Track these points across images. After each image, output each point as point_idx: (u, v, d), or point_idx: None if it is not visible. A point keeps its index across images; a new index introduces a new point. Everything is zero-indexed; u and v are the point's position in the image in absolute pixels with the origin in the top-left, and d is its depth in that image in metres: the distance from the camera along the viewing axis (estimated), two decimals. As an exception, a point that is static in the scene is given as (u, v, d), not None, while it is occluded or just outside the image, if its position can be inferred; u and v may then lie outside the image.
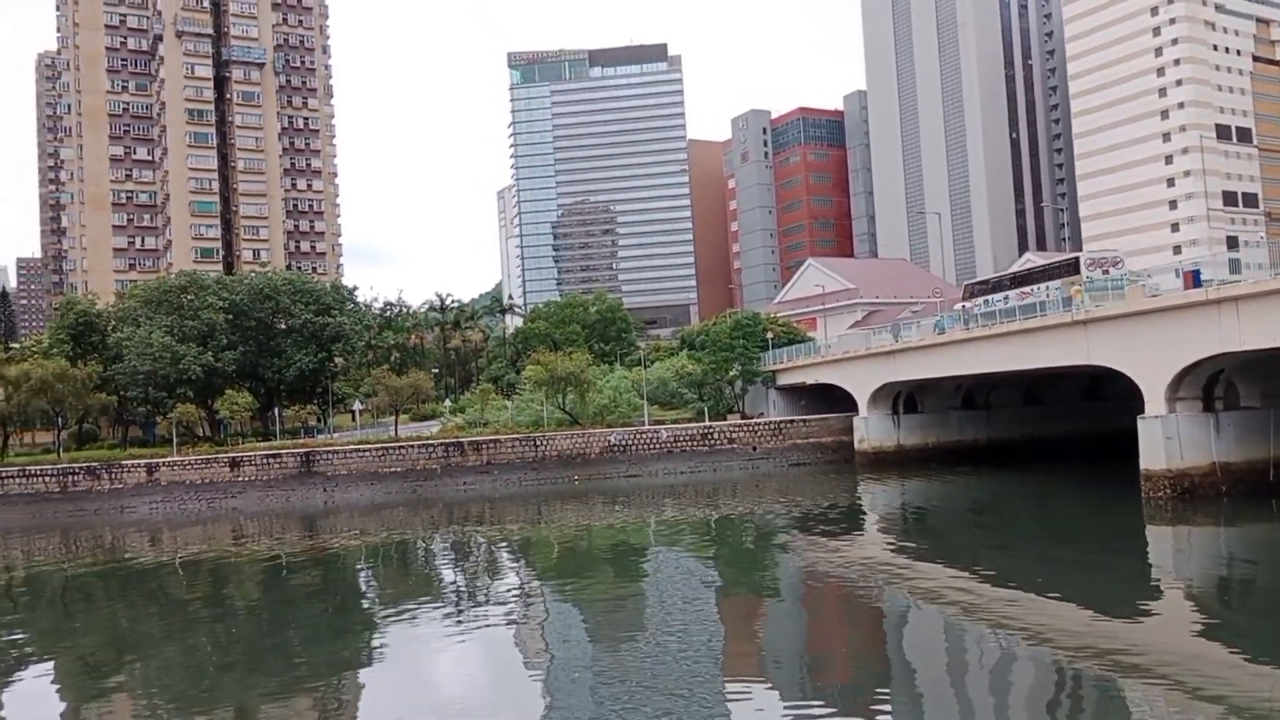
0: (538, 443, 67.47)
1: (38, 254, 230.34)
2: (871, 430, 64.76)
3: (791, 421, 70.36)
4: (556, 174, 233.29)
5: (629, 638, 23.34)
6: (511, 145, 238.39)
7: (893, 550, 35.28)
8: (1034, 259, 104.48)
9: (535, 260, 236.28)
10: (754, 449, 68.36)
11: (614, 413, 73.11)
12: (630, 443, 67.86)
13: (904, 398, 65.58)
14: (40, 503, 64.71)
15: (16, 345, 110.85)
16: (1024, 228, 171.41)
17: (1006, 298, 58.43)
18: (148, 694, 21.46)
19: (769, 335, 78.09)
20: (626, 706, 17.81)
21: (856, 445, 65.64)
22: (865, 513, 48.03)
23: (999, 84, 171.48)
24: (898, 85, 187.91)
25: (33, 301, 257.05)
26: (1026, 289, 57.51)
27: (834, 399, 68.93)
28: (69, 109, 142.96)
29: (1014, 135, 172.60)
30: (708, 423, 70.73)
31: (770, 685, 19.32)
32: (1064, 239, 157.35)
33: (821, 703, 17.87)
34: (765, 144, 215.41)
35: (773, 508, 49.34)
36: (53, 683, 23.37)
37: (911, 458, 63.38)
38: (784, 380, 75.13)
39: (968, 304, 62.48)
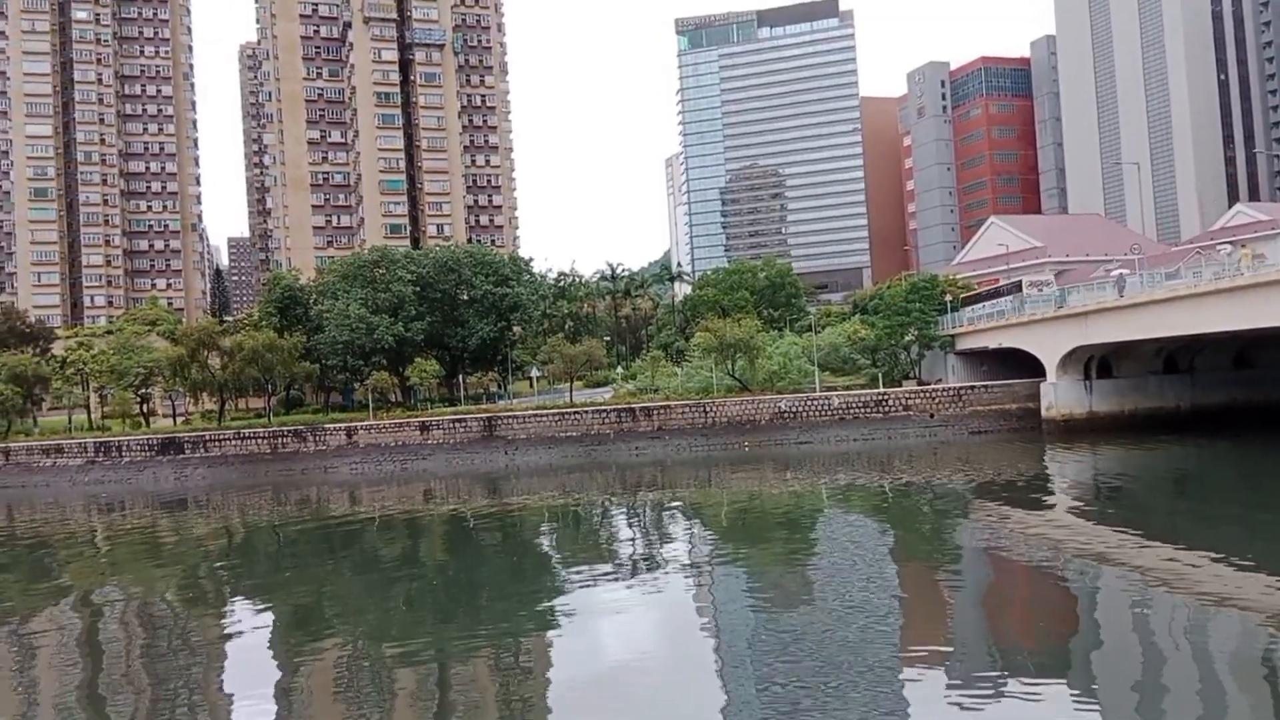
0: (707, 409, 67.81)
1: (246, 234, 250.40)
2: (1061, 396, 61.31)
3: (972, 387, 67.56)
4: (725, 139, 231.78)
5: (800, 606, 23.22)
6: (679, 112, 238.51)
7: (1084, 522, 33.43)
8: (1246, 211, 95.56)
9: (703, 227, 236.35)
10: (931, 416, 66.16)
11: (784, 379, 72.44)
12: (801, 409, 67.11)
13: (1097, 362, 61.72)
14: (254, 463, 70.62)
15: (230, 318, 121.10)
16: (1234, 177, 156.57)
17: (984, 305, 72.44)
18: (350, 640, 23.16)
19: (947, 298, 75.13)
20: (797, 677, 17.77)
21: (1044, 412, 62.32)
22: (1053, 483, 45.66)
23: (1204, 21, 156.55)
24: (1091, 27, 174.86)
25: (243, 278, 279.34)
26: (994, 300, 72.13)
27: (1019, 364, 65.65)
28: (269, 97, 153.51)
29: (1222, 77, 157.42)
30: (882, 389, 68.95)
31: (948, 662, 18.75)
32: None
33: (1004, 683, 17.20)
34: (943, 98, 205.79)
35: (952, 477, 47.71)
36: (267, 627, 25.61)
37: (1105, 425, 59.64)
38: (964, 345, 72.15)
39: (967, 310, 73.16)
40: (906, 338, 72.68)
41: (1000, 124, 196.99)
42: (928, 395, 67.69)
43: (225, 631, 24.96)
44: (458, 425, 70.14)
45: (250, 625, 25.66)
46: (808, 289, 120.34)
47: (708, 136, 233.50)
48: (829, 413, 66.86)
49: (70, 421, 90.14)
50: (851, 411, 66.74)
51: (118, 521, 52.30)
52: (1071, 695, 16.48)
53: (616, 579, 27.17)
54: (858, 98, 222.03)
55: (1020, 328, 64.62)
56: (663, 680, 18.36)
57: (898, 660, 18.75)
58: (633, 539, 35.80)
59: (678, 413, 68.08)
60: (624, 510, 43.32)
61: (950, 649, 19.61)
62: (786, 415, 67.02)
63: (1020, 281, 74.21)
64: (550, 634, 22.23)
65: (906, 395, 67.78)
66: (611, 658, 19.71)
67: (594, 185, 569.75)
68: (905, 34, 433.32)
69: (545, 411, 70.62)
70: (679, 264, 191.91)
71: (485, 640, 21.88)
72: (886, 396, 67.40)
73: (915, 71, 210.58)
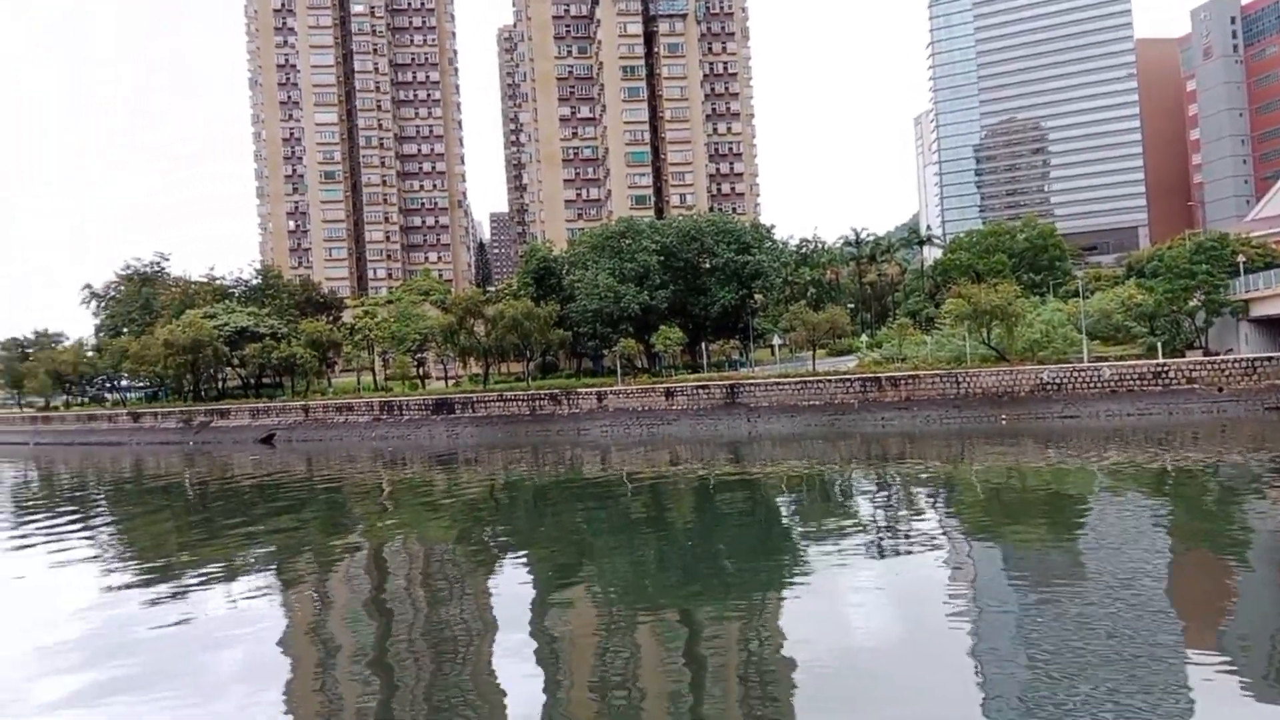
0: (960, 379, 64.89)
1: (505, 209, 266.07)
2: (1383, 370, 53.50)
3: (1270, 358, 60.24)
4: (979, 92, 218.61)
5: (1064, 590, 21.83)
6: (930, 67, 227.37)
7: None
8: None
9: (955, 187, 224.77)
10: (1220, 390, 59.71)
11: (1046, 348, 67.93)
12: (1065, 380, 62.68)
13: None
14: (514, 423, 75.43)
15: (492, 288, 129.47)
16: None
17: None
18: (600, 590, 24.37)
19: (1240, 259, 67.24)
20: (1058, 664, 16.77)
21: (1360, 388, 54.67)
22: (1372, 468, 39.92)
23: None
24: None
25: (502, 250, 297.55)
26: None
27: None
28: (524, 77, 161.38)
29: None
30: (1161, 359, 63.01)
31: (1232, 662, 17.00)
32: None
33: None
34: (1234, 36, 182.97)
35: (1245, 457, 42.90)
36: (527, 574, 27.40)
37: None
38: (1259, 311, 64.45)
39: None
40: (1190, 303, 65.92)
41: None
42: (1216, 367, 61.12)
43: (491, 577, 26.98)
44: (701, 392, 71.38)
45: (512, 572, 27.59)
46: (1073, 251, 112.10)
47: (961, 91, 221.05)
48: (1098, 385, 62.00)
49: (359, 382, 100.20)
50: (1125, 384, 61.54)
51: (399, 473, 57.69)
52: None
53: (861, 550, 26.75)
54: (1132, 40, 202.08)
55: (1333, 291, 56.83)
56: (909, 657, 17.94)
57: (1174, 655, 17.22)
58: (878, 510, 35.04)
59: (927, 383, 65.66)
60: (869, 481, 42.47)
61: (1236, 647, 17.78)
62: (1049, 387, 62.85)
63: None
64: (794, 602, 22.26)
65: (1190, 366, 61.54)
66: (856, 631, 19.47)
67: (837, 148, 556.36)
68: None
69: (787, 379, 70.35)
70: (928, 227, 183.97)
71: (730, 603, 22.27)
72: (1166, 368, 61.55)
73: (1200, 8, 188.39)
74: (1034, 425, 58.79)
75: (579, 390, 76.56)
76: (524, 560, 29.31)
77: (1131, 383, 61.37)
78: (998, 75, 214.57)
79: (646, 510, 38.36)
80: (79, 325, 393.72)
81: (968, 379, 64.77)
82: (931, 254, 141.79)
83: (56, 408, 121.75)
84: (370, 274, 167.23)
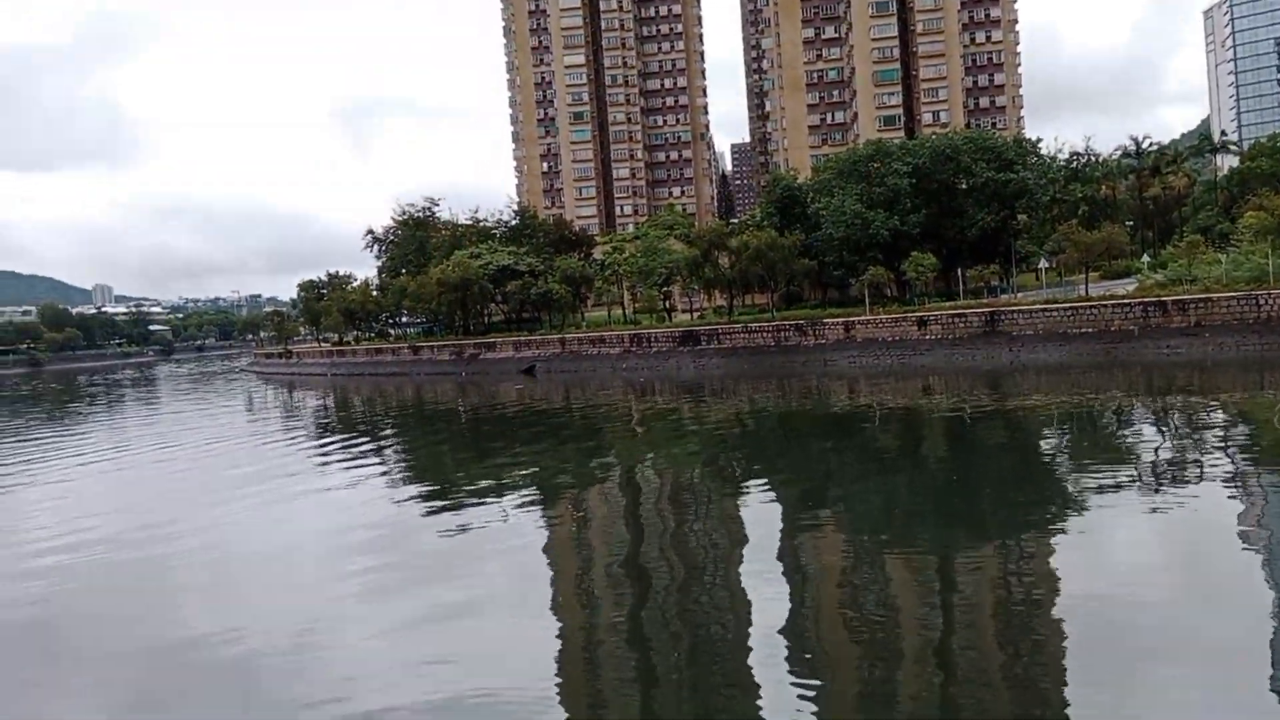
0: (1261, 301, 57.71)
1: (746, 139, 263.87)
2: None
3: None
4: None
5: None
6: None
7: None
8: None
9: (1253, 87, 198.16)
10: None
11: (1374, 265, 58.92)
12: (1398, 302, 54.12)
13: None
14: (759, 354, 75.57)
15: (735, 220, 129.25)
16: None
17: None
18: (848, 521, 24.02)
19: None
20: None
21: None
22: None
23: None
24: None
25: (744, 181, 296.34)
26: None
27: None
28: (768, 2, 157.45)
29: None
30: None
31: None
32: None
33: None
34: None
35: None
36: (772, 499, 27.48)
37: None
38: None
39: None
40: None
41: None
42: None
43: (738, 502, 27.35)
44: (956, 320, 68.10)
45: (759, 498, 27.78)
46: None
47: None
48: None
49: (609, 316, 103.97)
50: None
51: (649, 402, 59.59)
52: None
53: (1139, 489, 24.61)
54: None
55: None
56: (1192, 609, 16.33)
57: None
58: (1157, 446, 32.04)
59: (1221, 306, 58.93)
60: (1149, 415, 38.92)
61: None
62: (1374, 309, 54.54)
63: None
64: (1061, 544, 20.79)
65: None
66: (1132, 578, 17.94)
67: (1114, 51, 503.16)
68: None
69: (1055, 305, 65.59)
70: (1222, 132, 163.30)
71: (990, 540, 21.27)
72: None
73: None
74: (1356, 353, 51.44)
75: (825, 320, 75.22)
76: (770, 487, 29.44)
77: None
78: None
79: (897, 442, 37.34)
80: (364, 267, 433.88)
81: (1271, 301, 57.46)
82: (1227, 162, 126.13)
83: (348, 342, 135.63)
84: (618, 210, 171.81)
